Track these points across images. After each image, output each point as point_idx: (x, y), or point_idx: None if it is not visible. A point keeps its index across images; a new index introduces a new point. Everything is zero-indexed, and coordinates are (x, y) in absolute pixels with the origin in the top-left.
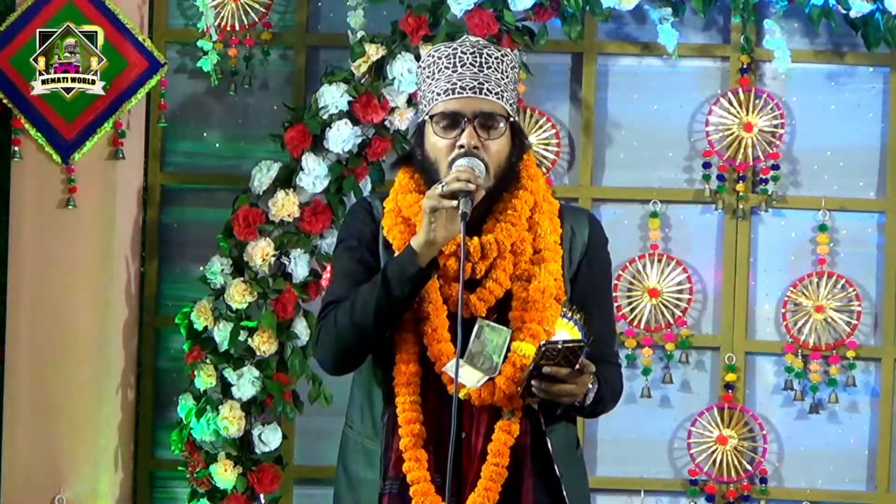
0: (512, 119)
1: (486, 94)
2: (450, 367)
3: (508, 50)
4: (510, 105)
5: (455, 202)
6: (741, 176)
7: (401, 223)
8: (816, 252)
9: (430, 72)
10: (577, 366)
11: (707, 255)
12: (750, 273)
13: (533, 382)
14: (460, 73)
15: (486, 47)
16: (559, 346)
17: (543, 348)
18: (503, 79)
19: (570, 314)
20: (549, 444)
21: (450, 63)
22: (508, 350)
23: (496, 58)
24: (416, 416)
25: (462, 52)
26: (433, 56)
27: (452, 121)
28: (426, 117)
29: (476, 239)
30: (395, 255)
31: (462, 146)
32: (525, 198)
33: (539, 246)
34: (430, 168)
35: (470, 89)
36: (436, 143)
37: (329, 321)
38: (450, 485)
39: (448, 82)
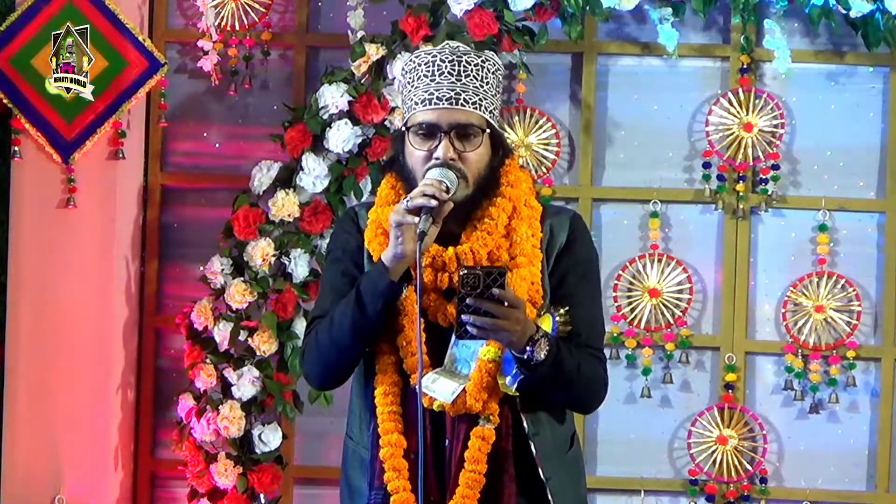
0: (490, 129)
1: (462, 105)
2: (425, 381)
3: (491, 54)
4: (490, 112)
5: (417, 218)
6: (741, 176)
7: (381, 235)
8: (816, 252)
9: (409, 78)
10: (497, 294)
11: (707, 255)
12: (750, 273)
13: (462, 318)
14: (438, 82)
15: (465, 54)
16: (476, 271)
17: (462, 273)
18: (482, 86)
19: (552, 310)
20: (533, 448)
21: (428, 71)
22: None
23: (475, 65)
24: (394, 426)
25: (441, 59)
26: (413, 62)
27: (429, 132)
28: (404, 127)
29: (451, 249)
30: (368, 269)
31: (437, 158)
32: (502, 205)
33: (515, 252)
34: (409, 176)
35: (446, 100)
36: (413, 152)
37: (311, 337)
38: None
39: (426, 92)
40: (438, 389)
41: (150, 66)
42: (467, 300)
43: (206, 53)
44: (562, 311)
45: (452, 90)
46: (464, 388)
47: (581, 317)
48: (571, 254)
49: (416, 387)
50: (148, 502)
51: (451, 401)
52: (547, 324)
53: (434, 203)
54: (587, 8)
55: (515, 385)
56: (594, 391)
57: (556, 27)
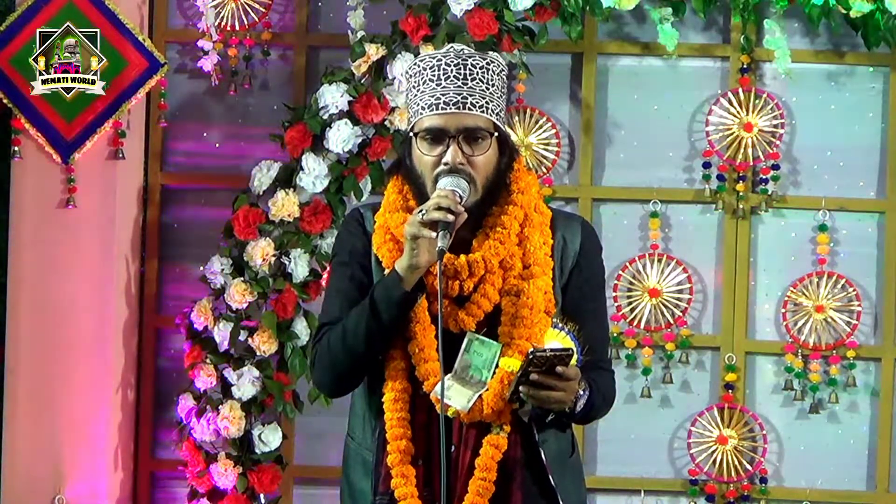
0: (498, 132)
1: (469, 109)
2: (438, 388)
3: (495, 55)
4: (497, 115)
5: (434, 233)
6: (741, 176)
7: (390, 241)
8: (816, 252)
9: (415, 82)
10: (562, 372)
11: (707, 255)
12: (750, 273)
13: (521, 388)
14: (444, 86)
15: (470, 57)
16: (547, 354)
17: (531, 356)
18: (488, 88)
19: (561, 324)
20: (543, 456)
21: (434, 75)
22: (497, 365)
23: (481, 67)
24: (402, 432)
25: (446, 63)
26: (418, 66)
27: (437, 137)
28: (410, 132)
29: (463, 257)
30: (382, 277)
31: (447, 163)
32: (514, 213)
33: (528, 261)
34: (418, 180)
35: (454, 105)
36: (421, 157)
37: (323, 345)
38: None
39: (432, 97)
40: (454, 396)
41: (150, 66)
42: (531, 376)
43: (206, 53)
44: (573, 327)
45: (459, 94)
46: (480, 396)
47: (594, 333)
48: (585, 268)
49: (431, 394)
50: (148, 502)
51: (468, 408)
52: (568, 342)
53: (451, 218)
54: (587, 8)
55: (528, 417)
56: (609, 409)
57: (556, 27)
